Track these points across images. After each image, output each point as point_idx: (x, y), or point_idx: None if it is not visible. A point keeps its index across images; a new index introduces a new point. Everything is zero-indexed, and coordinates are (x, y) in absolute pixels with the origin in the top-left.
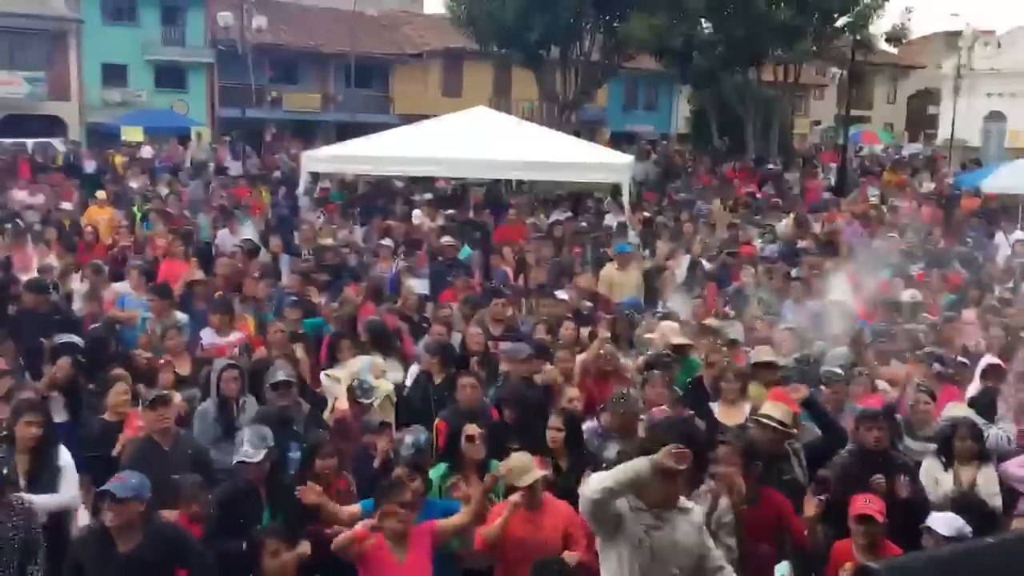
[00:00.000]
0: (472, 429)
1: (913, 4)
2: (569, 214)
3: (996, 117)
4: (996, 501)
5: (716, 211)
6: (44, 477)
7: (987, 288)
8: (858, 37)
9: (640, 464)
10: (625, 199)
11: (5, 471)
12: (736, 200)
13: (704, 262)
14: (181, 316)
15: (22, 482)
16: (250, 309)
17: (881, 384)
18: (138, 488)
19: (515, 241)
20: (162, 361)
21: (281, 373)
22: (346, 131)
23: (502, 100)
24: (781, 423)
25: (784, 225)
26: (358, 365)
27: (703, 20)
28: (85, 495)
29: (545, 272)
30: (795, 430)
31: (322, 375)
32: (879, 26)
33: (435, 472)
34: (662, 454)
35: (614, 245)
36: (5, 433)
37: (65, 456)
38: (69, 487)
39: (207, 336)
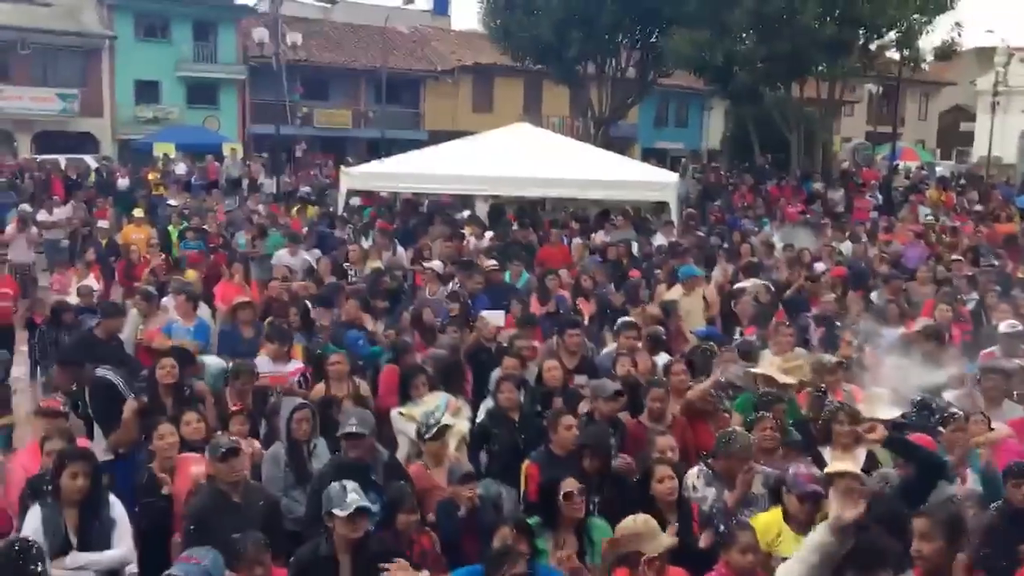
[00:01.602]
0: (571, 485)
1: (962, 19)
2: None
3: None
4: None
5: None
6: (95, 532)
7: None
8: (906, 52)
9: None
10: (674, 217)
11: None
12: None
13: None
14: (212, 362)
15: (73, 539)
16: (299, 336)
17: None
18: (208, 571)
19: (558, 263)
20: (233, 408)
21: (354, 421)
22: (376, 147)
23: (532, 116)
24: None
25: (849, 247)
26: (435, 402)
27: (745, 35)
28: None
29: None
30: None
31: (394, 413)
32: (925, 42)
33: None
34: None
35: (677, 267)
36: (50, 486)
37: (117, 507)
38: (123, 541)
39: (263, 364)
